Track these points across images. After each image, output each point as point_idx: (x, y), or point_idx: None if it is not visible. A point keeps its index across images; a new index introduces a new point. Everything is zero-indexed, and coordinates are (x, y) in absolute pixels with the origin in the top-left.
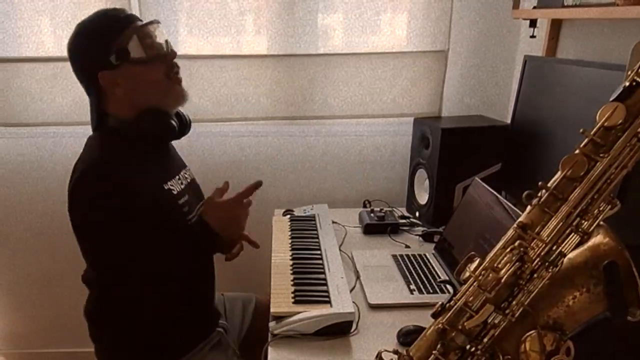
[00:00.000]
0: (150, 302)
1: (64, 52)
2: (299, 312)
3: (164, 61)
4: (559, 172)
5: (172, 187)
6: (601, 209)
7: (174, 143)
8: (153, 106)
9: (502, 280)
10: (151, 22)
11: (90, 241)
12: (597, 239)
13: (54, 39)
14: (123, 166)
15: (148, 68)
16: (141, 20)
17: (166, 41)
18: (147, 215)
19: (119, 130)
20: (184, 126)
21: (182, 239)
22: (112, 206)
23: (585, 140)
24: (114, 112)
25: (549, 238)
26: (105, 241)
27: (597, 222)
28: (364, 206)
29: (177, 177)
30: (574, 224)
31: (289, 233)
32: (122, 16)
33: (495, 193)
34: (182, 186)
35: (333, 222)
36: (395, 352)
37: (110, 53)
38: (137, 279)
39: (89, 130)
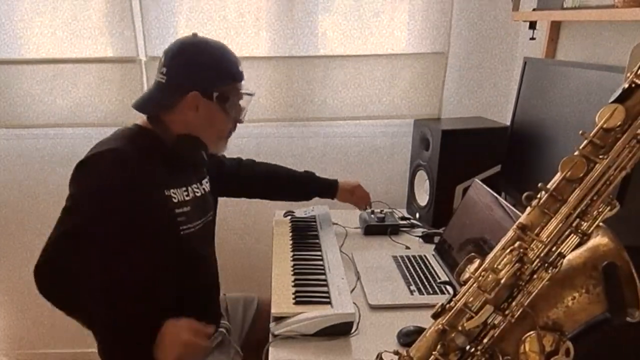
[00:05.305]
0: (147, 305)
1: (64, 54)
2: (299, 313)
3: (234, 123)
4: (559, 174)
5: (173, 195)
6: (600, 210)
7: None
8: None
9: (502, 281)
10: (252, 94)
11: (78, 217)
12: (597, 240)
13: (54, 41)
14: (137, 164)
15: (224, 120)
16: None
17: (246, 110)
18: (137, 213)
19: (157, 136)
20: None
21: (169, 246)
22: (112, 193)
23: (585, 142)
24: (166, 122)
25: (549, 239)
26: (91, 222)
27: (596, 223)
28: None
29: (185, 188)
30: (574, 225)
31: (290, 234)
32: (241, 70)
33: (495, 194)
34: (187, 197)
35: (334, 223)
36: (396, 352)
37: (217, 89)
38: (126, 278)
39: (89, 132)
